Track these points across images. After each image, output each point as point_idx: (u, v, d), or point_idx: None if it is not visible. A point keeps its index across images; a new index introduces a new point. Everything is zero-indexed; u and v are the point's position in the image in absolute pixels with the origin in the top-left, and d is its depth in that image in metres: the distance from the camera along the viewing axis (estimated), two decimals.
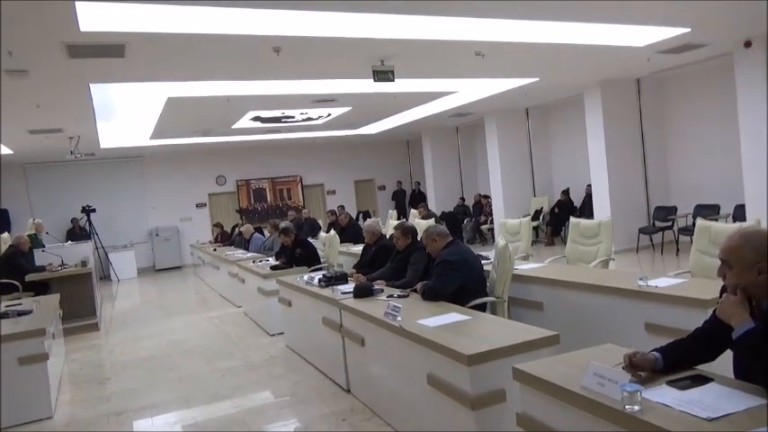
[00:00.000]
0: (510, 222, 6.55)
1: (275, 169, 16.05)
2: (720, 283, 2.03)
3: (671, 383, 1.95)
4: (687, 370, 2.05)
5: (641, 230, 9.87)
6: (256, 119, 10.77)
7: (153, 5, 4.38)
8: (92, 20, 4.50)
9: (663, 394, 1.88)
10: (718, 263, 2.00)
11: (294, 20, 4.99)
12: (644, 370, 2.03)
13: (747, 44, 7.66)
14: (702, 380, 1.95)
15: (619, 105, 10.09)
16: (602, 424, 1.88)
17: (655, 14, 5.95)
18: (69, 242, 10.92)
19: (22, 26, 4.47)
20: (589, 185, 10.95)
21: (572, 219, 5.91)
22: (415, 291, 4.17)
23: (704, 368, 2.08)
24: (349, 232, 9.59)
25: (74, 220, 13.54)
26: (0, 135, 8.88)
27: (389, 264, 5.07)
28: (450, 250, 4.17)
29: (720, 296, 2.01)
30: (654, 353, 2.06)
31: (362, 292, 4.24)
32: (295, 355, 5.52)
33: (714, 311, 2.00)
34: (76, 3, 4.13)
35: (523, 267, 4.92)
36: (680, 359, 2.06)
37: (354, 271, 5.35)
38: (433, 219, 9.45)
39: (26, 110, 7.52)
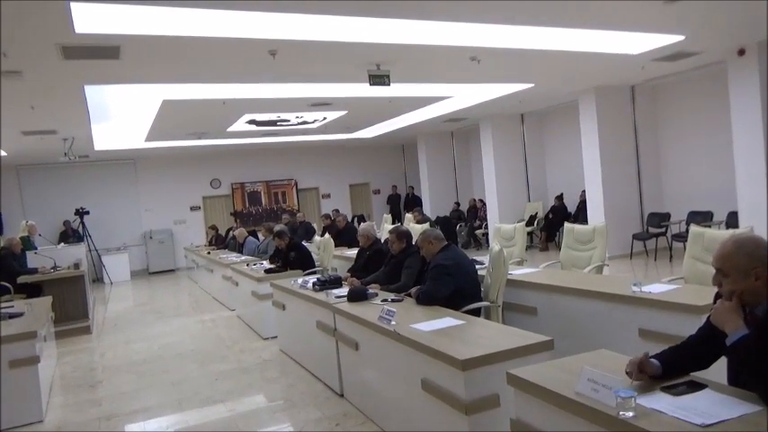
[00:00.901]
0: (504, 227, 6.56)
1: (270, 172, 16.03)
2: (714, 289, 2.03)
3: (665, 389, 1.95)
4: (681, 377, 2.04)
5: (635, 236, 9.89)
6: (252, 122, 10.75)
7: (148, 7, 4.37)
8: (87, 21, 4.48)
9: (657, 400, 1.87)
10: (712, 269, 2.00)
11: (290, 23, 4.99)
12: (650, 375, 2.03)
13: (741, 52, 7.72)
14: (696, 386, 1.95)
15: (613, 112, 10.14)
16: (596, 430, 1.88)
17: (649, 22, 5.98)
18: (62, 244, 10.87)
19: (16, 27, 4.44)
20: (583, 191, 10.99)
21: (566, 224, 5.91)
22: (410, 295, 4.17)
23: (698, 374, 2.08)
24: (346, 236, 9.58)
25: (66, 223, 13.45)
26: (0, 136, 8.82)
27: (384, 268, 5.06)
28: (444, 255, 4.18)
29: (714, 302, 2.02)
30: (653, 360, 2.05)
31: (357, 296, 4.23)
32: (289, 359, 5.50)
33: (708, 318, 2.00)
34: (71, 4, 4.12)
35: (518, 272, 4.93)
36: (676, 366, 2.06)
37: (349, 275, 5.34)
38: (428, 223, 9.45)
39: (20, 111, 7.49)
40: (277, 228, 7.72)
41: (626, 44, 6.89)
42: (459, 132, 15.08)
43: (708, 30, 6.67)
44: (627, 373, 2.02)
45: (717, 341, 1.93)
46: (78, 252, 9.42)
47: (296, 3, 4.50)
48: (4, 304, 6.04)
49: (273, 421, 4.13)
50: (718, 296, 2.01)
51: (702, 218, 8.69)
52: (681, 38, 6.76)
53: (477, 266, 4.55)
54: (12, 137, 9.32)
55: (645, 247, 9.98)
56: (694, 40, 6.93)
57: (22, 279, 7.62)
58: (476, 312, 4.01)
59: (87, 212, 13.27)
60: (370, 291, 4.38)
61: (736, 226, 8.03)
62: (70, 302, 7.81)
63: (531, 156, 13.09)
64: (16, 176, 13.46)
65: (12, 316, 5.04)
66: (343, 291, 4.51)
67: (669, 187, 10.42)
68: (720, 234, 4.35)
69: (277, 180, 16.16)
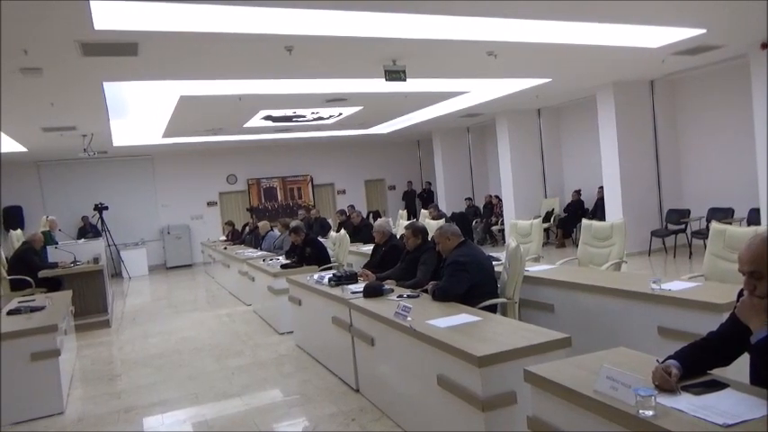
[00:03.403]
0: (521, 224, 6.51)
1: (286, 168, 16.10)
2: (736, 287, 1.99)
3: (686, 388, 1.91)
4: (702, 375, 2.01)
5: (654, 233, 9.77)
6: (268, 118, 10.80)
7: (166, 4, 4.39)
8: (106, 18, 4.52)
9: (677, 399, 1.84)
10: (734, 267, 1.95)
11: (307, 19, 4.99)
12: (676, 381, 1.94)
13: (764, 46, 7.56)
14: (718, 385, 1.91)
15: (632, 107, 10.01)
16: (615, 428, 1.85)
17: (669, 15, 5.88)
18: (82, 240, 11.02)
19: (36, 24, 4.50)
20: (601, 187, 10.87)
21: (584, 221, 5.85)
22: (426, 291, 4.16)
23: (719, 373, 2.04)
24: (361, 232, 9.57)
25: (84, 218, 13.65)
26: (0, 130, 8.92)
27: (399, 264, 5.06)
28: (461, 251, 4.16)
29: (737, 301, 1.97)
30: (672, 361, 2.00)
31: (372, 292, 4.23)
32: (304, 354, 5.52)
33: (731, 314, 1.96)
34: (91, 1, 4.16)
35: (534, 269, 4.89)
36: (696, 364, 2.02)
37: (364, 270, 5.34)
38: (444, 219, 9.42)
39: (40, 108, 7.59)
40: (293, 223, 7.74)
41: (646, 38, 6.79)
42: (475, 128, 14.99)
43: (730, 23, 6.54)
44: (657, 386, 1.91)
45: (740, 338, 1.90)
46: (98, 247, 9.54)
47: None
48: (25, 298, 6.15)
49: (289, 416, 4.15)
50: (741, 294, 1.97)
51: (723, 214, 8.54)
52: (702, 31, 6.64)
53: (493, 263, 4.53)
54: (32, 133, 9.45)
55: (664, 244, 9.86)
56: (716, 33, 6.81)
57: (42, 273, 7.75)
58: (492, 309, 4.00)
59: (106, 208, 13.45)
60: (386, 287, 4.37)
61: (757, 223, 7.90)
62: (90, 297, 7.92)
63: (547, 151, 12.98)
64: (36, 172, 13.67)
65: (33, 310, 5.13)
66: (359, 286, 4.51)
67: (689, 183, 10.27)
68: (742, 231, 4.27)
69: (293, 176, 16.22)
